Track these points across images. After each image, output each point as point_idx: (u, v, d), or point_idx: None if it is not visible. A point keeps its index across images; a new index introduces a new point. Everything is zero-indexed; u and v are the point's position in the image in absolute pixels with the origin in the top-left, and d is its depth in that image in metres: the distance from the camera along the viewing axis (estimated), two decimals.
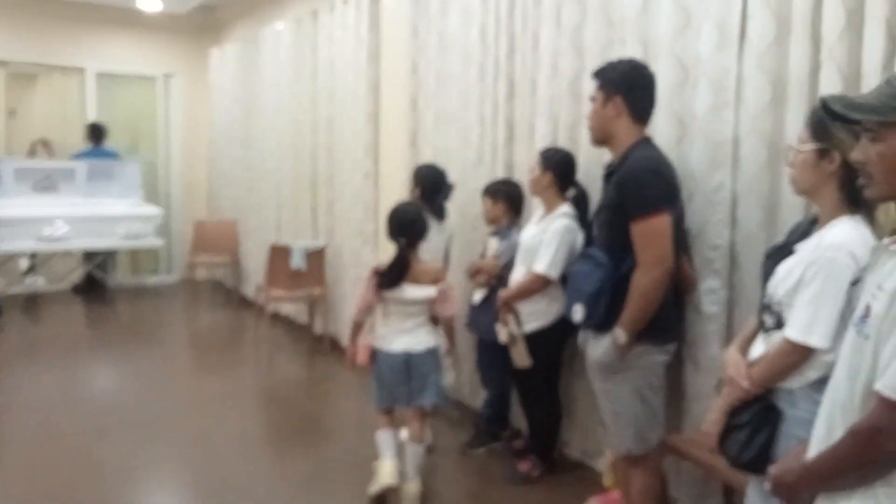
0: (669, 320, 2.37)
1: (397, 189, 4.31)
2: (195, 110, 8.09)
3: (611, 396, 2.36)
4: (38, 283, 7.19)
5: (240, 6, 7.09)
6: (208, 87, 7.83)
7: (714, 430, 1.85)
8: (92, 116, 7.50)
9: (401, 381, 2.94)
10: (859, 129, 1.32)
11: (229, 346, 5.71)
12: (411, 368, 2.94)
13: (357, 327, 3.04)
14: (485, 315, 3.28)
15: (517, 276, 3.11)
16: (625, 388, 2.32)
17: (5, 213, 6.22)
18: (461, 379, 4.04)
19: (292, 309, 6.09)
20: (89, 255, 7.14)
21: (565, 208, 3.02)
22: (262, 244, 6.43)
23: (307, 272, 5.21)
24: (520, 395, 3.33)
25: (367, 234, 4.74)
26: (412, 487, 2.89)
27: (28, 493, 3.02)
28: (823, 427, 1.36)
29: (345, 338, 5.15)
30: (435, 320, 3.04)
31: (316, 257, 5.27)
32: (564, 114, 3.19)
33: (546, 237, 2.95)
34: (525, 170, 3.28)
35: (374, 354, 2.99)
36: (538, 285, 2.97)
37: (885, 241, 1.32)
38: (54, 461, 3.32)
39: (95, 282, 7.28)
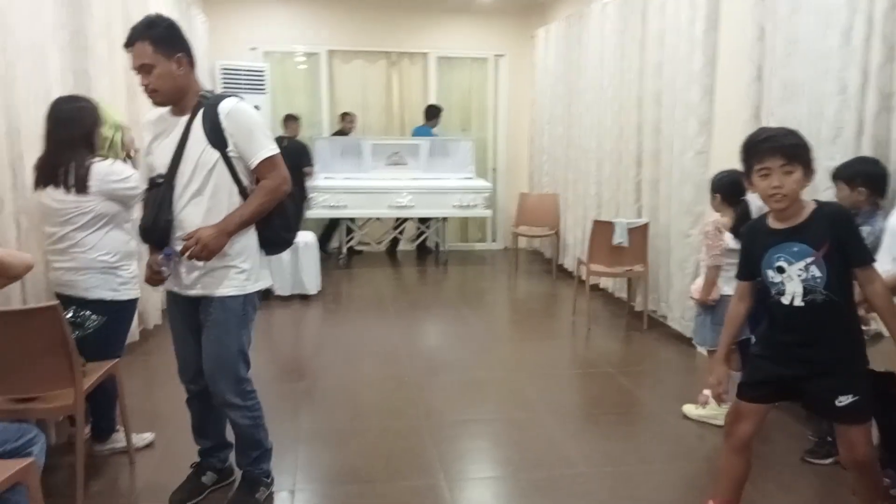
0: None
1: (731, 168, 4.04)
2: (519, 90, 8.50)
3: None
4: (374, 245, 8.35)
5: None
6: (533, 66, 8.15)
7: None
8: (432, 98, 8.34)
9: None
10: None
11: (548, 316, 5.96)
12: None
13: (717, 270, 3.53)
14: None
15: (885, 267, 2.72)
16: None
17: (367, 184, 7.32)
18: None
19: (611, 283, 6.14)
20: (423, 222, 8.09)
21: None
22: (581, 219, 6.59)
23: (629, 249, 5.19)
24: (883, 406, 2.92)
25: (695, 214, 4.54)
26: None
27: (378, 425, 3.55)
28: None
29: (670, 318, 5.10)
30: None
31: (638, 234, 5.21)
32: None
33: None
34: None
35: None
36: None
37: None
38: (399, 405, 3.83)
39: (424, 247, 8.29)
